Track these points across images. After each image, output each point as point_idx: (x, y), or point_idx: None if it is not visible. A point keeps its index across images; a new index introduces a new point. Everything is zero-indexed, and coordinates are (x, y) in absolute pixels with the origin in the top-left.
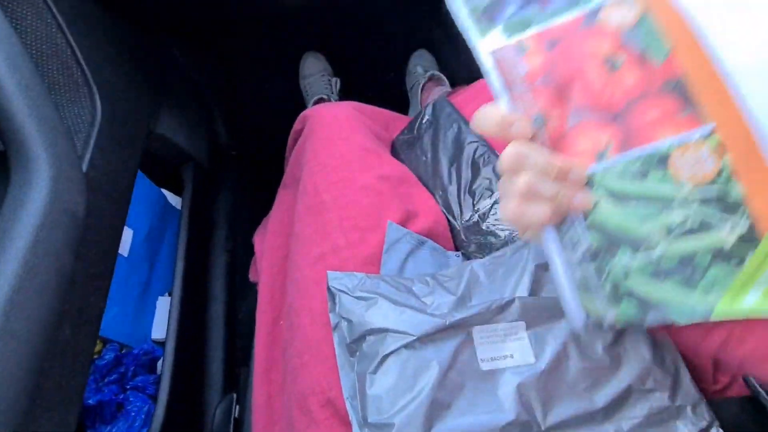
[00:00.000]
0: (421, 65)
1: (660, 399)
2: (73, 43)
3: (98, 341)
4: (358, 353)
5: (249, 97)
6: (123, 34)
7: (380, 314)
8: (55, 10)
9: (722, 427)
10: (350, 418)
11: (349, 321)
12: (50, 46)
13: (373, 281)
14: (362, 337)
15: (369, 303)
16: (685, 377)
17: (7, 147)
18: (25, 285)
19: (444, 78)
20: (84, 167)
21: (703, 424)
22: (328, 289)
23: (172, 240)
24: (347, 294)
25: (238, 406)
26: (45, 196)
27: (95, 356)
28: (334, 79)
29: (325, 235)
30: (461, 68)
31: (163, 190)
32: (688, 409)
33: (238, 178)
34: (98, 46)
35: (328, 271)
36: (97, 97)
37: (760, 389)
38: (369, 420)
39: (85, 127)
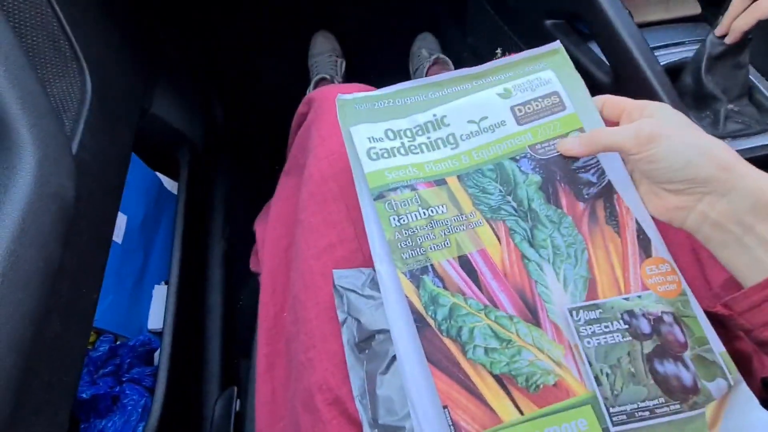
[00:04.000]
0: (425, 48)
1: None
2: (60, 13)
3: (92, 332)
4: (367, 351)
5: (248, 78)
6: (115, 5)
7: None
8: None
9: None
10: (360, 417)
11: (358, 320)
12: (34, 14)
13: None
14: (371, 336)
15: (378, 302)
16: None
17: None
18: (8, 277)
19: (449, 61)
20: (74, 149)
21: None
22: (335, 287)
23: (168, 226)
24: (355, 292)
25: (239, 400)
26: (30, 180)
27: (89, 347)
28: (340, 60)
29: (333, 225)
30: (465, 51)
31: (159, 174)
32: None
33: (235, 161)
34: (88, 16)
35: (334, 270)
36: (86, 72)
37: None
38: (380, 421)
39: (74, 105)
